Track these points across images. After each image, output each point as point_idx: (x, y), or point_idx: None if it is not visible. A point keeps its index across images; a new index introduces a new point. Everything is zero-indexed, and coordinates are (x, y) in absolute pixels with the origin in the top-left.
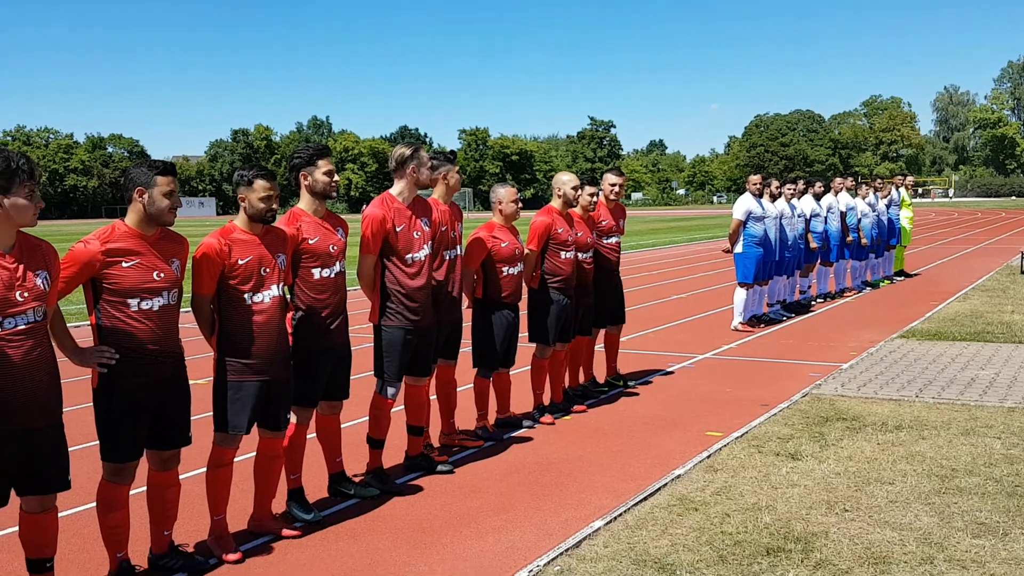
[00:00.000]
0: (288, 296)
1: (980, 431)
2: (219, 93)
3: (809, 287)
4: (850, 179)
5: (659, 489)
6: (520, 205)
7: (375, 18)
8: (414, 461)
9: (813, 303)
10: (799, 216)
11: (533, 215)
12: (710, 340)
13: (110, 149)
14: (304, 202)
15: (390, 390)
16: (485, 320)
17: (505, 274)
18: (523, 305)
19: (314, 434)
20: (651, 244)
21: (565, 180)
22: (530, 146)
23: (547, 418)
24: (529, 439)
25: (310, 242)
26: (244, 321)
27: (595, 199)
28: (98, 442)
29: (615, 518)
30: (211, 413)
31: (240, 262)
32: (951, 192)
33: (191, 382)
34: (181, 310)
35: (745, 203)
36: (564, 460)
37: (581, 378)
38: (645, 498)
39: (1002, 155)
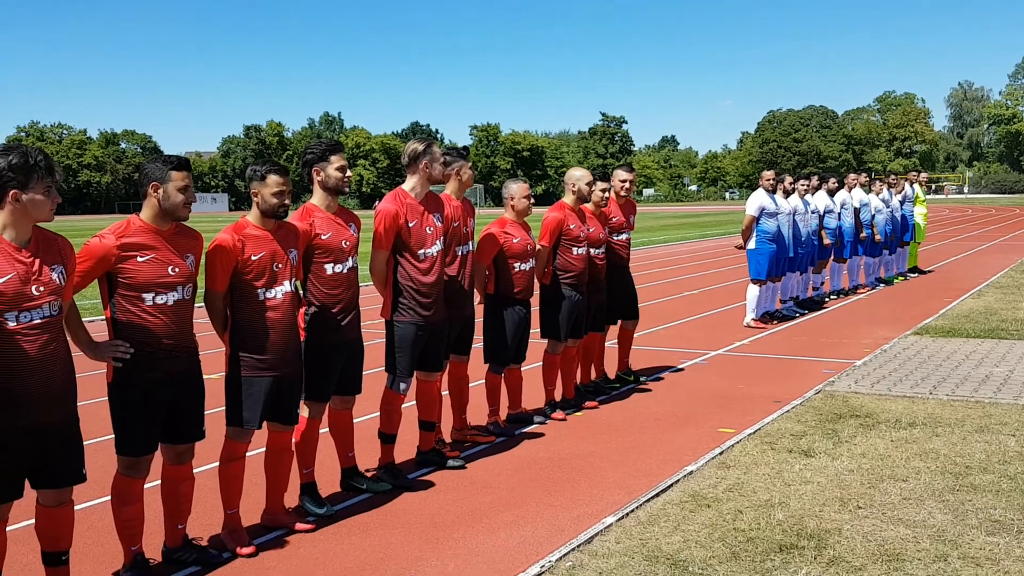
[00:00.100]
0: (300, 291)
1: (994, 428)
2: (232, 89)
3: (822, 283)
4: (864, 175)
5: (671, 485)
6: (532, 201)
7: (386, 14)
8: (426, 456)
9: (826, 300)
10: (812, 212)
11: (545, 211)
12: (722, 337)
13: (123, 145)
14: (317, 198)
15: (401, 385)
16: (497, 316)
17: (517, 270)
18: (535, 301)
19: (327, 429)
20: (663, 240)
21: (578, 176)
22: (541, 142)
23: (559, 414)
24: (541, 435)
25: (323, 237)
26: (257, 317)
27: (607, 195)
28: (113, 436)
29: (627, 514)
30: (223, 408)
31: (253, 258)
32: (966, 189)
33: (204, 377)
34: (195, 305)
35: (758, 199)
36: (576, 456)
37: (593, 374)
38: (657, 494)
39: (1016, 151)
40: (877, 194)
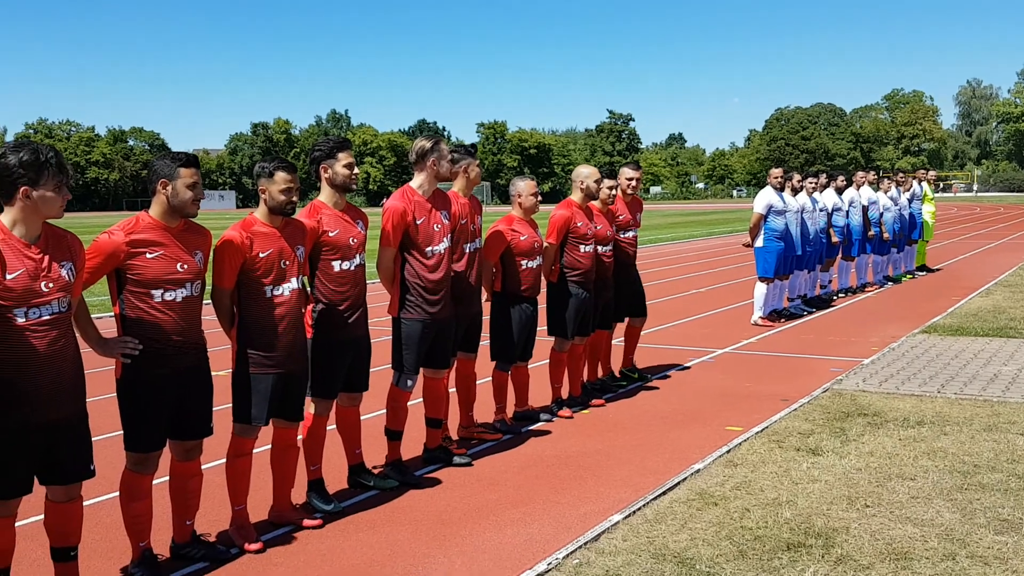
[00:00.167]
0: (308, 288)
1: (1003, 427)
2: (239, 87)
3: (830, 282)
4: (872, 173)
5: (678, 483)
6: (539, 198)
7: (393, 12)
8: (433, 453)
9: (834, 298)
10: (821, 210)
11: (552, 208)
12: (729, 335)
13: (131, 142)
14: (324, 195)
15: (408, 382)
16: (504, 314)
17: (524, 267)
18: (542, 299)
19: (334, 426)
20: (670, 238)
21: (587, 173)
22: (548, 139)
23: (565, 412)
24: (547, 432)
25: (330, 234)
26: (264, 314)
27: (614, 192)
28: (121, 432)
29: (634, 512)
30: (230, 404)
31: (261, 255)
32: (975, 187)
33: (212, 373)
34: (203, 302)
35: (766, 197)
36: (582, 454)
37: (600, 372)
38: (664, 492)
39: None
40: (885, 192)
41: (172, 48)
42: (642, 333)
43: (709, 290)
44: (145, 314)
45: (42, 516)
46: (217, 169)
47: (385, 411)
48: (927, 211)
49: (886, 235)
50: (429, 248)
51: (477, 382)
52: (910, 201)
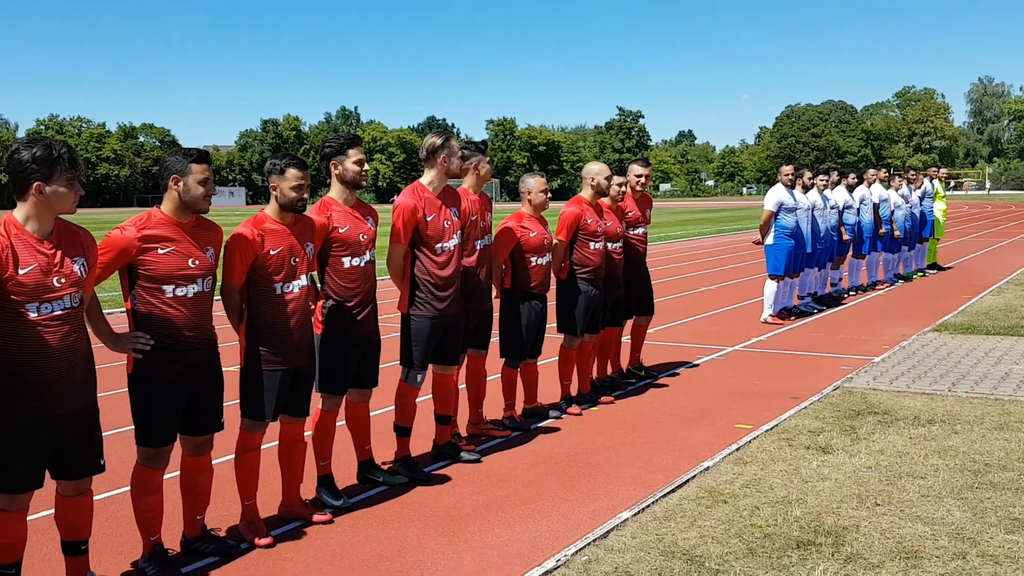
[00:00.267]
0: (318, 284)
1: (1014, 426)
2: (249, 84)
3: (840, 279)
4: (883, 170)
5: (688, 481)
6: (549, 195)
7: (403, 9)
8: (442, 450)
9: (845, 296)
10: (832, 208)
11: (562, 206)
12: (739, 332)
13: (141, 138)
14: (335, 191)
15: (417, 378)
16: (513, 310)
17: (534, 264)
18: (551, 296)
19: (343, 422)
20: (680, 235)
21: (597, 170)
22: (557, 136)
23: (574, 409)
24: (556, 430)
25: (341, 231)
26: (274, 310)
27: (623, 189)
28: (132, 427)
29: (643, 509)
30: (238, 400)
31: (272, 252)
32: (987, 185)
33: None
34: (214, 298)
35: (777, 194)
36: (591, 451)
37: (609, 369)
38: (673, 490)
39: None
40: (896, 190)
41: (182, 45)
42: (652, 331)
43: (719, 287)
44: (157, 309)
45: (53, 510)
46: (227, 166)
47: (394, 407)
48: (938, 209)
49: (897, 233)
50: (439, 245)
51: (486, 379)
52: (921, 199)
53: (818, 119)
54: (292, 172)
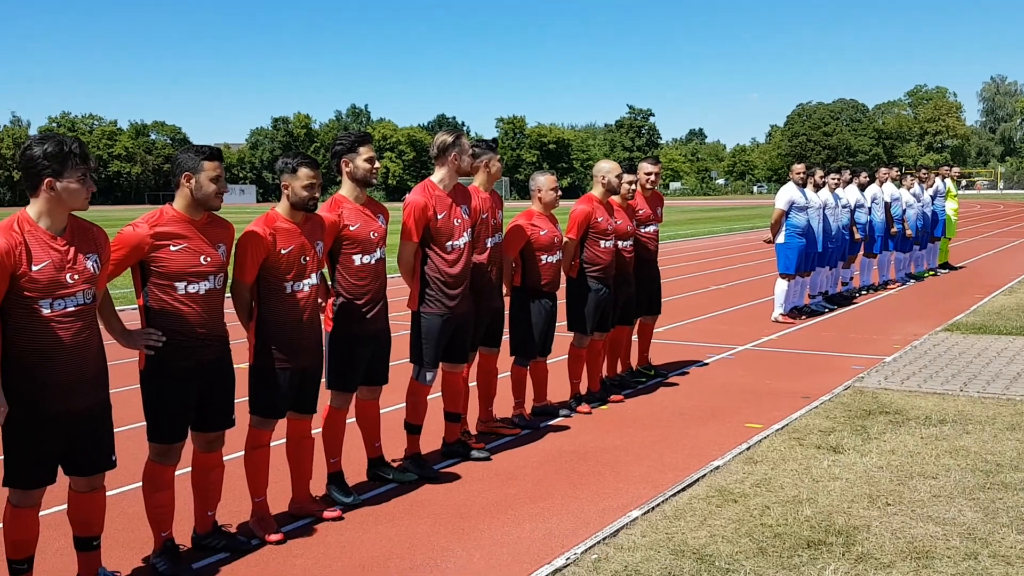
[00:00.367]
0: (329, 281)
1: None
2: (260, 81)
3: (851, 279)
4: (895, 169)
5: (698, 480)
6: (559, 193)
7: (413, 7)
8: (451, 448)
9: (856, 295)
10: (843, 207)
11: (572, 204)
12: (750, 331)
13: (153, 136)
14: (345, 189)
15: (427, 376)
16: (523, 308)
17: (544, 262)
18: (561, 294)
19: (353, 419)
20: (690, 234)
21: (608, 168)
22: (567, 135)
23: (584, 407)
24: (566, 428)
25: (351, 228)
26: (283, 309)
27: (633, 187)
28: (144, 423)
29: (653, 508)
30: (247, 397)
31: (283, 251)
32: (1000, 184)
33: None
34: (225, 295)
35: (788, 192)
36: (601, 450)
37: (619, 368)
38: (683, 489)
39: None
40: (908, 189)
41: (194, 43)
42: (662, 330)
43: (729, 286)
44: (169, 306)
45: (66, 506)
46: (238, 163)
47: (404, 405)
48: (950, 208)
49: (909, 232)
50: (449, 243)
51: (497, 377)
52: (933, 198)
53: (829, 118)
54: (304, 171)
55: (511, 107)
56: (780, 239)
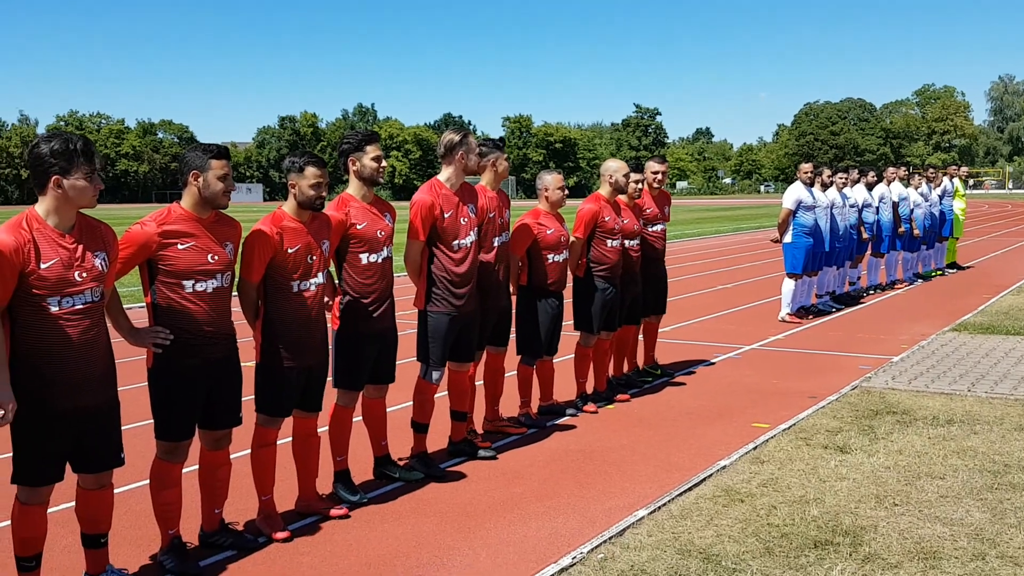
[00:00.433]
0: (336, 280)
1: None
2: (266, 80)
3: (859, 278)
4: (903, 168)
5: (704, 480)
6: (566, 192)
7: (420, 6)
8: (457, 446)
9: (863, 295)
10: (851, 206)
11: (578, 203)
12: (756, 331)
13: (160, 135)
14: (352, 187)
15: (434, 375)
16: (530, 308)
17: (550, 261)
18: (568, 293)
19: (360, 417)
20: (697, 233)
21: (615, 168)
22: (574, 134)
23: (590, 407)
24: (572, 427)
25: (358, 227)
26: (290, 308)
27: (640, 186)
28: (152, 421)
29: (659, 507)
30: (253, 395)
31: (290, 251)
32: (1010, 184)
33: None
34: (233, 293)
35: (796, 192)
36: (607, 449)
37: (625, 367)
38: (690, 488)
39: None
40: (916, 188)
41: (201, 42)
42: (669, 329)
43: (736, 286)
44: (176, 304)
45: (73, 503)
46: (245, 162)
47: (411, 403)
48: (957, 207)
49: (916, 232)
50: (456, 241)
51: (504, 376)
52: (941, 198)
53: (837, 117)
54: (311, 170)
55: (517, 106)
56: (787, 238)
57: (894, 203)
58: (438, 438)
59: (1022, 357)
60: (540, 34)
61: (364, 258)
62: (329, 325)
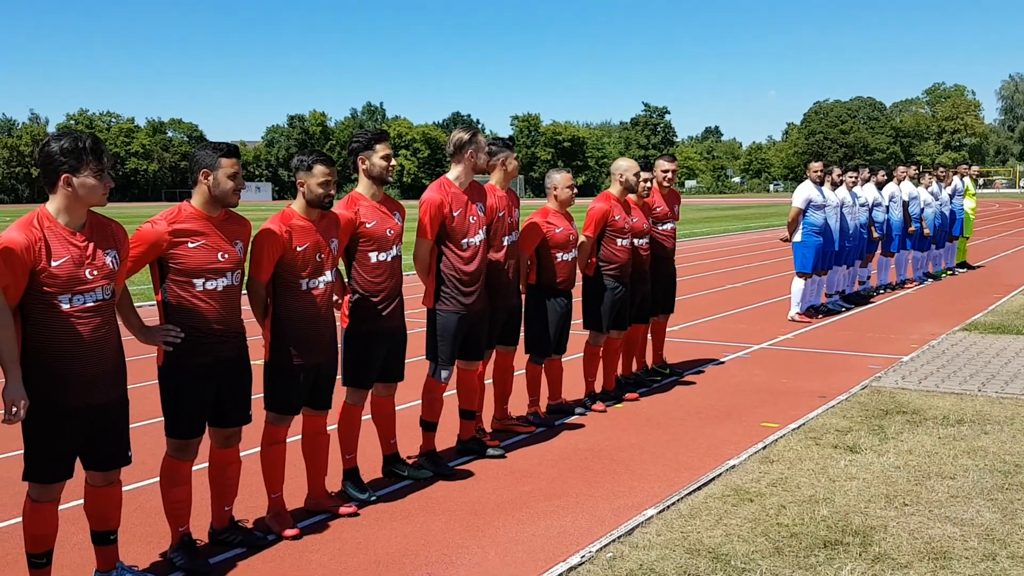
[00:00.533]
0: (345, 278)
1: None
2: (276, 79)
3: (869, 278)
4: (913, 168)
5: (713, 479)
6: (575, 191)
7: (428, 6)
8: (466, 445)
9: (873, 294)
10: (861, 205)
11: (588, 202)
12: (766, 330)
13: (170, 133)
14: (362, 186)
15: (443, 373)
16: (539, 306)
17: (559, 260)
18: (577, 292)
19: (369, 415)
20: (706, 232)
21: (626, 167)
22: (582, 132)
23: (599, 405)
24: (581, 426)
25: (367, 226)
26: (298, 306)
27: (650, 185)
28: (162, 419)
29: (668, 507)
30: (263, 394)
31: (299, 249)
32: (1021, 183)
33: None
34: (242, 291)
35: (805, 191)
36: (616, 448)
37: (634, 366)
38: (699, 487)
39: None
40: (926, 187)
41: (210, 41)
42: (678, 328)
43: (745, 285)
44: (187, 303)
45: (83, 500)
46: (254, 161)
47: (420, 402)
48: (968, 207)
49: (927, 231)
50: (465, 240)
51: (513, 375)
52: (951, 197)
53: (846, 115)
54: (320, 169)
55: (526, 105)
56: (797, 237)
57: (904, 202)
58: (447, 436)
59: None
60: (549, 33)
61: (373, 257)
62: (338, 323)
